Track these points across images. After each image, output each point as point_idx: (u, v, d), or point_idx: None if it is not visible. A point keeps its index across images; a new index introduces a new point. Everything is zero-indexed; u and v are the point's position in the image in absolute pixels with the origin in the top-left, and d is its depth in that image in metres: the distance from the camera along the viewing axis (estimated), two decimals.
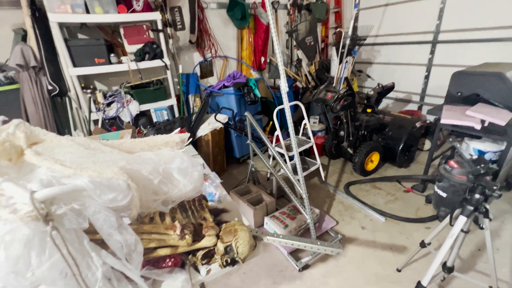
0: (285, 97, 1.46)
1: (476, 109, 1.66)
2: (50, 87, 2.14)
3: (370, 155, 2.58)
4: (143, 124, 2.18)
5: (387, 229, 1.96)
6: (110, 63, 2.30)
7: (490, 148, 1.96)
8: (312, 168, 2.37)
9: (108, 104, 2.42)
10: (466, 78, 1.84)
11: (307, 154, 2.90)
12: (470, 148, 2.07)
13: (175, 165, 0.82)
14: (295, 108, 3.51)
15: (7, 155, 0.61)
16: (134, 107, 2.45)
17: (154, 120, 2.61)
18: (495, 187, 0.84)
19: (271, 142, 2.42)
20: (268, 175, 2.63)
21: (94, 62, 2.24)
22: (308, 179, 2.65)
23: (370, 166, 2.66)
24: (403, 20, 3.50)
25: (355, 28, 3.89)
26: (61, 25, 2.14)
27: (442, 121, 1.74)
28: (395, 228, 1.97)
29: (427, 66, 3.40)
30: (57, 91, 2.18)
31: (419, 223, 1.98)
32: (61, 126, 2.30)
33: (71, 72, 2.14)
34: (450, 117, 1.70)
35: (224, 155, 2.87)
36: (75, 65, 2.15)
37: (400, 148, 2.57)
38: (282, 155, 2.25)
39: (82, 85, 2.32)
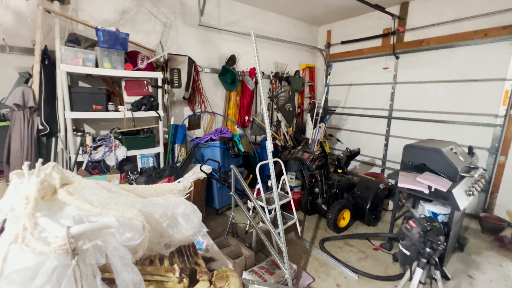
0: (270, 155, 1.68)
1: (423, 176, 2.02)
2: (41, 127, 2.18)
3: (342, 212, 2.78)
4: (130, 169, 2.23)
5: (360, 287, 2.03)
6: (107, 110, 2.45)
7: (441, 210, 2.27)
8: (290, 222, 2.48)
9: (95, 148, 2.46)
10: (414, 151, 2.27)
11: (284, 208, 3.03)
12: (425, 210, 2.38)
13: (180, 210, 0.93)
14: (274, 164, 3.77)
15: (44, 193, 0.70)
16: (121, 152, 2.51)
17: (139, 166, 2.66)
18: (439, 242, 1.05)
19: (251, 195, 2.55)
20: (247, 228, 2.66)
21: (91, 108, 2.37)
22: (285, 233, 2.71)
23: (343, 223, 2.83)
24: (364, 97, 4.25)
25: (326, 100, 4.59)
26: (68, 74, 2.33)
27: (399, 184, 2.07)
28: (367, 286, 2.05)
29: (385, 136, 4.01)
30: (47, 131, 2.21)
31: (388, 281, 2.09)
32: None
33: (67, 115, 2.23)
34: (405, 182, 2.03)
35: (204, 206, 2.89)
36: (72, 109, 2.27)
37: (368, 207, 2.83)
38: (262, 208, 2.37)
39: (73, 127, 2.39)
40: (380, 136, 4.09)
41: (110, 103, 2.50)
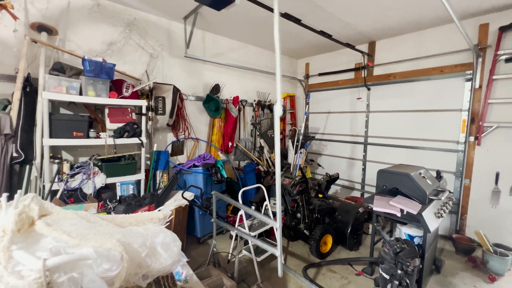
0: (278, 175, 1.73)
1: (396, 200, 2.15)
2: (15, 154, 2.12)
3: (324, 237, 2.81)
4: (108, 197, 2.17)
5: None
6: (88, 137, 2.43)
7: (416, 233, 2.38)
8: (273, 250, 2.46)
9: (72, 175, 2.39)
10: (387, 175, 2.42)
11: (267, 235, 3.02)
12: (402, 232, 2.48)
13: (160, 240, 0.94)
14: (256, 190, 3.79)
15: (21, 225, 0.70)
16: (100, 180, 2.45)
17: (119, 193, 2.59)
18: (408, 263, 1.12)
19: (234, 221, 2.54)
20: (230, 257, 2.60)
21: (72, 135, 2.35)
22: (269, 261, 2.68)
23: (325, 248, 2.85)
24: (342, 124, 4.51)
25: (306, 126, 4.81)
26: (50, 101, 2.33)
27: (374, 208, 2.17)
28: None
29: (363, 161, 4.21)
30: (21, 159, 2.14)
31: None
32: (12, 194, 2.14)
33: (45, 142, 2.19)
34: (380, 206, 2.14)
35: (184, 235, 2.81)
36: (52, 136, 2.23)
37: (349, 231, 2.88)
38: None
39: (51, 154, 2.33)
40: (358, 161, 4.29)
41: (92, 130, 2.49)
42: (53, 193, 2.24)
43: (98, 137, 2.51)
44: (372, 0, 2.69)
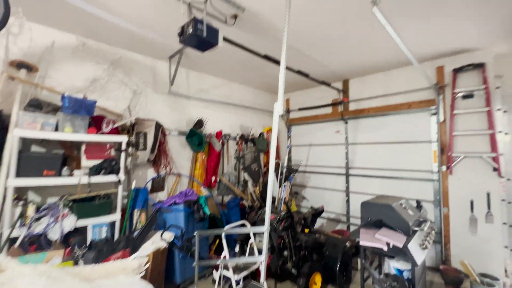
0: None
1: (381, 232, 2.14)
2: None
3: (313, 276, 2.67)
4: (77, 243, 1.96)
5: None
6: (60, 175, 2.28)
7: (405, 266, 2.33)
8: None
9: (38, 219, 2.17)
10: (370, 207, 2.44)
11: (253, 276, 2.82)
12: (391, 266, 2.42)
13: None
14: (241, 227, 3.64)
15: None
16: (70, 223, 2.24)
17: (90, 237, 2.36)
18: None
19: (218, 260, 2.37)
20: None
21: (41, 174, 2.19)
22: None
23: None
24: (323, 156, 4.63)
25: (289, 159, 4.88)
26: (21, 138, 2.20)
27: (361, 243, 2.14)
28: None
29: (346, 193, 4.25)
30: None
31: None
32: None
33: (10, 183, 2.01)
34: (366, 240, 2.11)
35: (162, 281, 2.55)
36: (19, 175, 2.07)
37: (338, 268, 2.77)
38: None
39: (15, 196, 2.13)
40: (342, 193, 4.32)
41: (65, 168, 2.35)
42: (12, 240, 1.99)
43: (71, 175, 2.36)
44: (342, 45, 2.99)
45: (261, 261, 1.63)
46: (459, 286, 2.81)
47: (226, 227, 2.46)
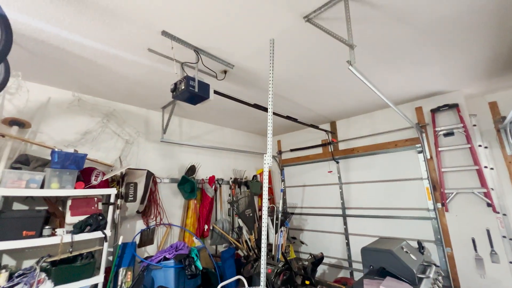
0: None
1: (386, 283, 2.00)
2: None
3: None
4: None
5: None
6: (40, 235, 2.13)
7: None
8: None
9: None
10: (370, 254, 2.33)
11: None
12: None
13: None
14: (237, 283, 3.36)
15: None
16: None
17: None
18: None
19: None
20: None
21: (20, 235, 2.04)
22: None
23: None
24: (318, 197, 4.56)
25: (284, 201, 4.78)
26: (3, 197, 2.11)
27: None
28: None
29: (345, 235, 4.09)
30: None
31: None
32: None
33: None
34: None
35: None
36: None
37: None
38: None
39: None
40: (341, 235, 4.16)
41: (47, 227, 2.20)
42: None
43: (53, 234, 2.21)
44: (327, 93, 3.20)
45: None
46: None
47: (219, 286, 2.26)
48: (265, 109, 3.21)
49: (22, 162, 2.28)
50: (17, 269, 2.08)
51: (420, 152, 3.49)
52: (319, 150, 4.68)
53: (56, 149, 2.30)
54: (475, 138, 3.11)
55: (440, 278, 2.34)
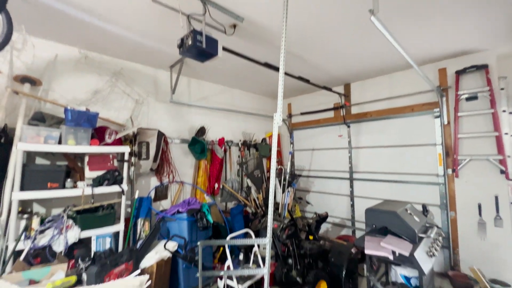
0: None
1: (387, 240, 2.10)
2: None
3: (318, 284, 2.63)
4: (81, 256, 1.96)
5: None
6: (63, 187, 2.30)
7: (412, 273, 2.28)
8: None
9: (42, 231, 2.18)
10: (374, 214, 2.40)
11: (258, 285, 2.79)
12: (398, 274, 2.37)
13: None
14: (244, 235, 3.62)
15: None
16: (74, 234, 2.25)
17: (93, 248, 2.37)
18: None
19: (221, 271, 2.35)
20: None
21: (45, 186, 2.21)
22: None
23: None
24: (327, 161, 4.60)
25: (292, 164, 4.85)
26: (25, 152, 2.23)
27: (365, 251, 2.10)
28: None
29: (350, 197, 4.21)
30: None
31: None
32: None
33: (14, 197, 2.03)
34: (371, 248, 2.07)
35: None
36: (23, 188, 2.09)
37: (343, 275, 2.73)
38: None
39: (20, 209, 2.15)
40: (346, 197, 4.28)
41: (69, 180, 2.37)
42: (17, 253, 2.00)
43: (75, 186, 2.38)
44: (343, 51, 2.98)
45: (263, 273, 1.61)
46: None
47: (229, 237, 2.45)
48: (276, 69, 3.05)
49: (38, 119, 2.36)
50: (47, 216, 2.30)
51: (437, 117, 3.34)
52: (331, 114, 4.56)
53: (69, 107, 2.34)
54: (500, 103, 2.91)
55: (440, 238, 2.43)
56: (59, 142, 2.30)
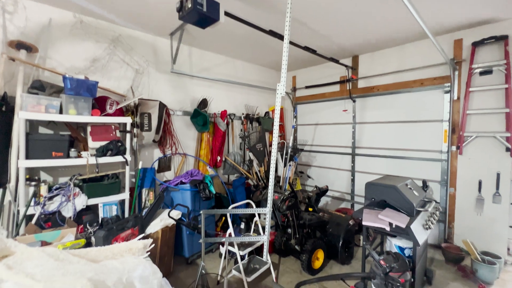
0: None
1: (384, 213, 2.15)
2: None
3: (316, 252, 2.76)
4: (89, 221, 2.06)
5: None
6: (68, 157, 2.33)
7: (406, 244, 2.38)
8: (263, 268, 2.39)
9: (51, 198, 2.27)
10: (374, 188, 2.43)
11: (258, 252, 2.94)
12: (392, 245, 2.47)
13: (138, 273, 0.88)
14: (246, 206, 3.73)
15: None
16: (81, 201, 2.34)
17: (101, 215, 2.47)
18: (398, 284, 1.10)
19: (223, 238, 2.46)
20: (219, 278, 2.50)
21: (50, 155, 2.24)
22: (260, 280, 2.60)
23: (317, 264, 2.79)
24: (329, 136, 4.57)
25: (295, 139, 4.84)
26: (28, 121, 2.23)
27: (363, 223, 2.16)
28: None
29: (351, 172, 4.25)
30: None
31: None
32: None
33: (21, 164, 2.07)
34: (368, 220, 2.13)
35: (172, 256, 2.69)
36: (28, 157, 2.12)
37: (340, 245, 2.85)
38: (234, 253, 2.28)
39: (27, 176, 2.21)
40: (347, 172, 4.32)
41: (73, 149, 2.39)
42: (28, 218, 2.10)
43: (79, 156, 2.41)
44: (352, 18, 2.79)
45: (263, 241, 1.69)
46: (459, 263, 2.86)
47: (231, 206, 2.52)
48: (282, 37, 2.90)
49: (38, 87, 2.32)
50: (54, 184, 2.37)
51: (447, 92, 3.22)
52: (336, 88, 4.42)
53: (68, 76, 2.28)
54: None
55: (437, 212, 2.48)
56: (60, 112, 2.29)
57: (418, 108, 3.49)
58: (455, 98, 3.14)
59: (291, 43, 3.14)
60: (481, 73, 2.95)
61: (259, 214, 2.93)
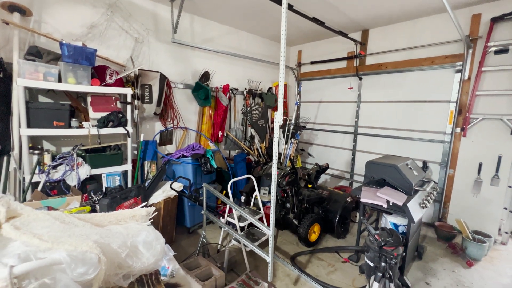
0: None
1: (383, 191, 2.18)
2: None
3: (313, 226, 2.86)
4: (93, 190, 2.11)
5: None
6: (69, 126, 2.33)
7: (401, 221, 2.45)
8: (263, 239, 2.49)
9: (55, 167, 2.30)
10: (375, 167, 2.45)
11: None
12: (387, 221, 2.55)
13: (141, 238, 0.91)
14: (247, 180, 3.79)
15: None
16: (84, 171, 2.37)
17: (104, 184, 2.53)
18: (392, 256, 1.14)
19: (224, 212, 2.54)
20: (219, 247, 2.62)
21: (52, 125, 2.24)
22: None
23: (313, 237, 2.91)
24: (333, 114, 4.51)
25: (298, 116, 4.78)
26: (27, 88, 2.19)
27: (361, 200, 2.21)
28: None
29: (352, 151, 4.25)
30: None
31: None
32: None
33: (22, 133, 2.08)
34: (366, 197, 2.18)
35: (174, 225, 2.80)
36: (30, 125, 2.12)
37: (336, 220, 2.94)
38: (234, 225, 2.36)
39: (30, 145, 2.22)
40: (348, 151, 4.33)
41: (74, 119, 2.38)
42: (34, 185, 2.15)
43: (80, 126, 2.41)
44: None
45: (268, 235, 1.71)
46: (450, 241, 2.97)
47: (231, 180, 2.56)
48: (289, 6, 2.73)
49: (34, 54, 2.24)
50: (57, 153, 2.39)
51: (458, 71, 3.10)
52: (343, 64, 4.27)
53: (64, 42, 2.19)
54: None
55: (434, 192, 2.52)
56: (59, 80, 2.24)
57: (426, 88, 3.39)
58: (466, 78, 3.03)
59: (298, 13, 2.97)
60: (496, 52, 2.82)
61: (259, 190, 2.99)
